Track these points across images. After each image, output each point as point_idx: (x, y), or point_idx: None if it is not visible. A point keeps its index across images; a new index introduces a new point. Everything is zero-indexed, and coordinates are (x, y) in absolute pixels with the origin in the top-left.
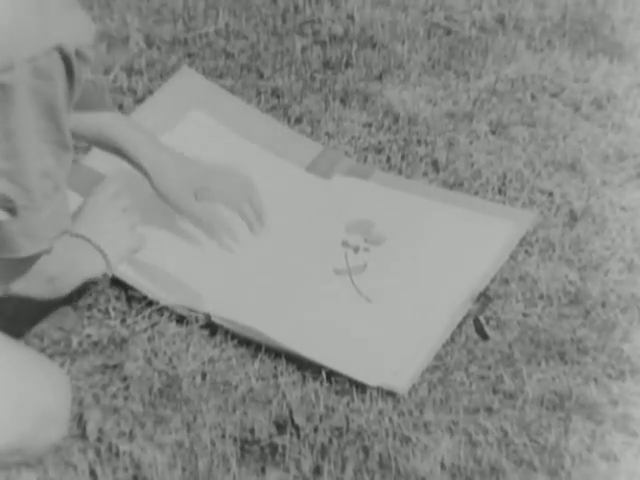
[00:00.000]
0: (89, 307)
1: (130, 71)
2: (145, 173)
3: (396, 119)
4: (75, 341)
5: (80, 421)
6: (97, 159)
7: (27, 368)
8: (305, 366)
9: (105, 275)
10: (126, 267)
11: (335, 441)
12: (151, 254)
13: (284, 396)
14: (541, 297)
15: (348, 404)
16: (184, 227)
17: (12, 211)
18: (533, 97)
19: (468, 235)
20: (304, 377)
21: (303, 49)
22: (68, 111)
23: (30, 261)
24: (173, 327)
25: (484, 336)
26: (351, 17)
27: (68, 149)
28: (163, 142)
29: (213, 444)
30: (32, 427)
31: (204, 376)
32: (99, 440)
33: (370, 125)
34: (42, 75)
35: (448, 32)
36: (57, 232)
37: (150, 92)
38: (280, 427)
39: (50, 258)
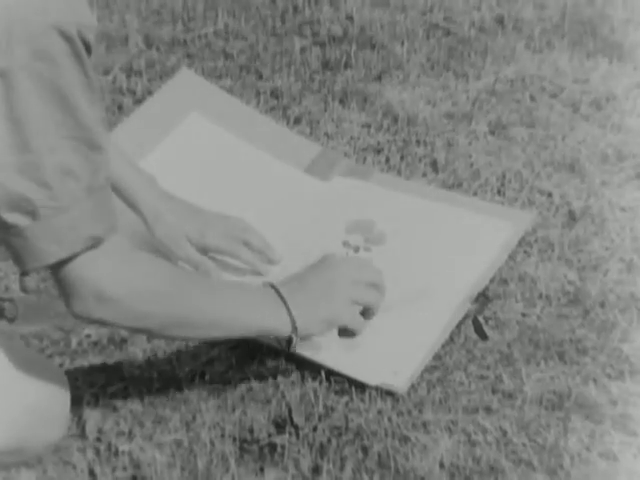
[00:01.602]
0: None
1: (129, 72)
2: (141, 217)
3: (395, 120)
4: (74, 341)
5: (79, 421)
6: None
7: (26, 368)
8: (304, 366)
9: (289, 343)
10: None
11: (334, 440)
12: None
13: (283, 396)
14: (540, 297)
15: (347, 404)
16: None
17: (33, 215)
18: (532, 98)
19: (467, 235)
20: (303, 377)
21: (302, 50)
22: (92, 106)
23: (66, 268)
24: None
25: (483, 336)
26: (350, 18)
27: (98, 149)
28: (164, 148)
29: (212, 443)
30: (31, 427)
31: (203, 376)
32: (98, 439)
33: (369, 126)
34: (43, 57)
35: (447, 33)
36: (87, 234)
37: (149, 93)
38: (279, 427)
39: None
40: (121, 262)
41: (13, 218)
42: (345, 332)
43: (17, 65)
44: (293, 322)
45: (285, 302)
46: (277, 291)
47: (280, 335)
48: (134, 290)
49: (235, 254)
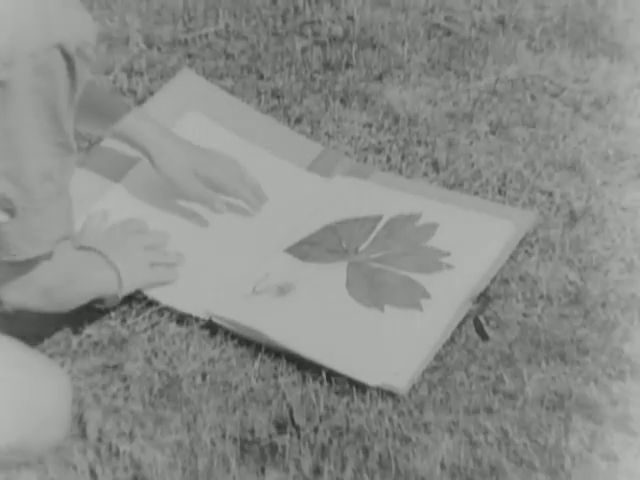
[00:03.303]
0: (89, 307)
1: (130, 72)
2: (148, 155)
3: (396, 119)
4: (75, 341)
5: (80, 421)
6: (115, 142)
7: (28, 368)
8: (305, 366)
9: (115, 297)
10: None
11: (335, 441)
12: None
13: (284, 396)
14: (541, 297)
15: (348, 404)
16: (184, 228)
17: (11, 212)
18: (533, 97)
19: (468, 235)
20: (304, 377)
21: (303, 50)
22: (70, 113)
23: (27, 267)
24: (173, 327)
25: (484, 336)
26: (351, 18)
27: (71, 152)
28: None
29: (213, 444)
30: (33, 427)
31: (204, 376)
32: (99, 440)
33: (370, 125)
34: (42, 72)
35: (448, 33)
36: (57, 236)
37: (150, 93)
38: (280, 427)
39: (48, 267)
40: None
41: None
42: None
43: (18, 78)
44: (120, 281)
45: (112, 263)
46: (102, 255)
47: (106, 293)
48: (62, 283)
49: (237, 192)
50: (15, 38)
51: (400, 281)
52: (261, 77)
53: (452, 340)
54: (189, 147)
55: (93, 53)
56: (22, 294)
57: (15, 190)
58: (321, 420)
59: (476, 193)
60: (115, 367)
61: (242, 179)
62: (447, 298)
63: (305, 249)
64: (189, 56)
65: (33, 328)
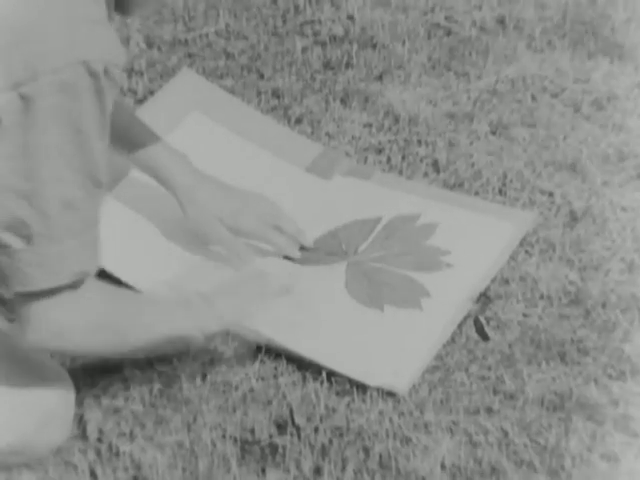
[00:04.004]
0: None
1: (130, 72)
2: (175, 197)
3: (396, 119)
4: None
5: (80, 421)
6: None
7: (29, 368)
8: (305, 366)
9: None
10: (125, 267)
11: (335, 441)
12: (152, 258)
13: (284, 396)
14: (541, 297)
15: (348, 404)
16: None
17: (28, 239)
18: (533, 97)
19: (468, 235)
20: (304, 377)
21: (303, 49)
22: (101, 142)
23: (43, 301)
24: None
25: (484, 336)
26: (351, 17)
27: (99, 185)
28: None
29: (213, 444)
30: (34, 428)
31: (204, 376)
32: (99, 440)
33: (370, 125)
34: (66, 90)
35: (448, 33)
36: (76, 269)
37: (151, 93)
38: (280, 427)
39: (71, 305)
40: (76, 301)
41: (7, 238)
42: None
43: (41, 93)
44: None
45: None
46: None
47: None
48: (88, 326)
49: (267, 239)
50: (39, 52)
51: (400, 280)
52: (261, 77)
53: (452, 340)
54: (219, 193)
55: (120, 77)
56: (37, 333)
57: (33, 215)
58: (321, 420)
59: (476, 193)
60: (115, 367)
61: (277, 224)
62: (447, 297)
63: (304, 255)
64: (189, 56)
65: None
